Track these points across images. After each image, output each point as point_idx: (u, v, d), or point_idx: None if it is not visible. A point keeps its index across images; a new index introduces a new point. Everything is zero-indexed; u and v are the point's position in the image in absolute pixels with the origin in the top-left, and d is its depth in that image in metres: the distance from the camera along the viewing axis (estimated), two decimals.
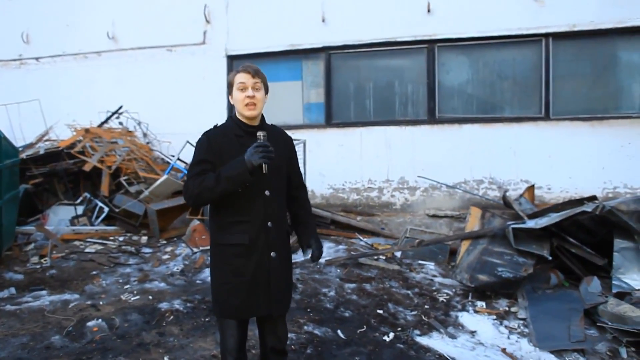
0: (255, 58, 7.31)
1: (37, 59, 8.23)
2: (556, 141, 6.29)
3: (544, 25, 6.34)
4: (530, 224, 4.75)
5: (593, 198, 5.11)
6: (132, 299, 4.09)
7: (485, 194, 6.42)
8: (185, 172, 6.54)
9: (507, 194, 5.91)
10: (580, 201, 5.08)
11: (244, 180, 2.14)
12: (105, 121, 7.35)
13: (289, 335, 3.49)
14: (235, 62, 7.40)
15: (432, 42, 6.72)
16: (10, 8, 8.31)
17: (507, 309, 4.23)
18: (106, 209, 6.10)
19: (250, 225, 2.24)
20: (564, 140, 6.27)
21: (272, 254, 2.29)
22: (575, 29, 6.27)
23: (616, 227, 4.47)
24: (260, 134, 2.18)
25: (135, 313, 3.77)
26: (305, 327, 3.67)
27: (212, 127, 2.36)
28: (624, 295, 4.02)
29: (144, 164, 6.60)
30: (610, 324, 3.66)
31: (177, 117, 7.42)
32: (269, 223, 2.29)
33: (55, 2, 8.12)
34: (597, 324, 3.76)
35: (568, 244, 4.64)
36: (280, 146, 2.36)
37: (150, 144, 7.55)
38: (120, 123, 7.52)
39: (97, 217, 6.10)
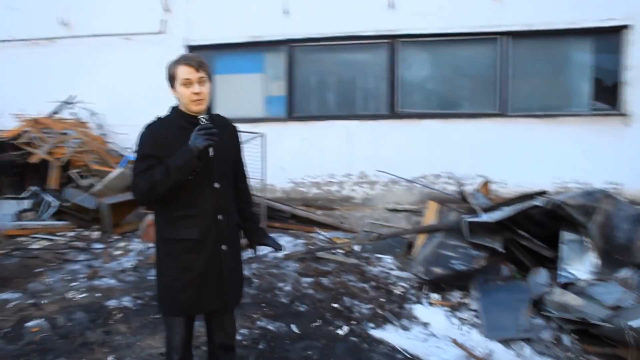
0: (216, 49, 7.17)
1: None
2: (512, 137, 6.46)
3: (502, 24, 6.48)
4: (485, 217, 4.84)
5: (544, 192, 5.26)
6: (79, 296, 3.93)
7: (443, 189, 6.53)
8: None
9: (464, 188, 6.03)
10: (532, 195, 5.22)
11: (193, 166, 2.09)
12: (56, 111, 7.03)
13: (242, 330, 3.45)
14: (196, 52, 7.21)
15: (393, 37, 6.75)
16: None
17: (460, 300, 4.31)
18: (55, 204, 5.84)
19: (200, 219, 2.19)
20: (519, 136, 6.45)
21: (223, 247, 2.25)
22: (532, 28, 6.44)
23: (564, 221, 4.62)
24: (202, 117, 2.15)
25: (80, 311, 3.62)
26: (259, 323, 3.63)
27: (153, 119, 2.27)
28: (568, 285, 4.17)
29: (97, 157, 6.36)
30: (554, 313, 3.79)
31: (134, 109, 7.11)
32: (219, 216, 2.24)
33: None
34: (543, 313, 3.89)
35: (519, 237, 4.77)
36: (226, 135, 2.32)
37: (105, 135, 7.28)
38: (73, 113, 7.21)
39: (46, 212, 5.83)
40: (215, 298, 2.26)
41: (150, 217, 5.60)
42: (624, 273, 4.18)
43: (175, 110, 2.28)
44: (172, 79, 2.21)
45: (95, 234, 5.54)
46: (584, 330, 3.62)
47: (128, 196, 5.84)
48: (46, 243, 5.15)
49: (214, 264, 2.23)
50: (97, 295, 3.96)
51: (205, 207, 2.20)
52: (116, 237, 5.53)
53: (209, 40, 7.18)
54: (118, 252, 5.07)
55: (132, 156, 6.33)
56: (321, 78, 7.09)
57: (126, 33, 7.42)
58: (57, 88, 7.28)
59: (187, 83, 2.16)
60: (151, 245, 5.19)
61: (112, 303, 3.78)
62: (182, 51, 7.21)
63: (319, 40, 6.95)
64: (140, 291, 4.07)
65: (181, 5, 7.25)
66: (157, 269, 2.29)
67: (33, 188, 5.96)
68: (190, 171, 2.10)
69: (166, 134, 2.16)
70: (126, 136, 7.22)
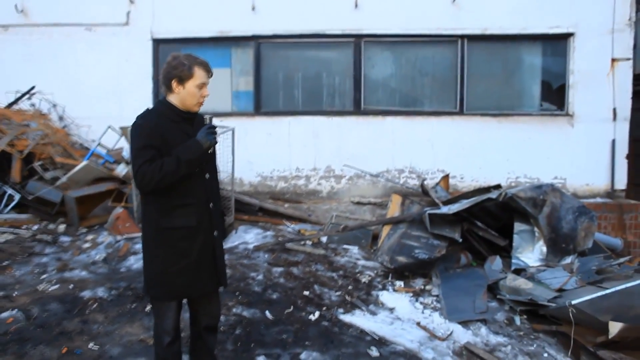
0: (183, 43, 7.13)
1: None
2: (468, 134, 6.86)
3: (460, 27, 6.85)
4: (444, 209, 5.18)
5: (498, 186, 5.67)
6: (51, 288, 3.92)
7: (405, 183, 6.85)
8: (108, 158, 6.26)
9: (425, 182, 6.37)
10: (487, 189, 5.62)
11: (201, 160, 2.30)
12: (15, 102, 6.79)
13: None
14: (161, 46, 7.16)
15: (359, 36, 6.98)
16: None
17: (422, 287, 4.61)
18: (17, 196, 5.69)
19: (195, 208, 2.35)
20: (475, 133, 6.86)
21: (214, 233, 2.44)
22: (487, 32, 6.85)
23: (516, 212, 5.03)
24: (207, 116, 2.37)
25: (55, 302, 3.63)
26: (234, 310, 3.76)
27: (144, 111, 2.36)
28: (520, 271, 4.56)
29: (60, 149, 6.22)
30: (507, 296, 4.15)
31: (97, 101, 7.03)
32: (211, 204, 2.42)
33: None
34: (497, 296, 4.25)
35: (476, 228, 5.14)
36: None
37: (67, 128, 7.10)
38: (32, 105, 6.98)
39: (7, 205, 5.67)
40: (209, 280, 2.43)
41: (118, 211, 5.58)
42: (568, 259, 4.61)
43: (164, 104, 2.37)
44: (185, 77, 2.28)
45: (62, 227, 5.46)
46: (533, 311, 4.00)
47: (94, 189, 5.79)
48: (10, 237, 5.03)
49: (207, 248, 2.40)
50: (69, 287, 3.96)
51: (199, 197, 2.37)
52: (83, 231, 5.47)
53: (175, 34, 7.13)
54: (87, 245, 5.04)
55: (98, 149, 6.28)
56: (288, 74, 7.22)
57: (88, 23, 7.23)
58: (13, 78, 7.01)
59: (202, 86, 2.33)
60: (120, 238, 5.20)
61: (86, 294, 3.81)
62: (148, 44, 7.14)
63: (286, 37, 7.07)
64: (114, 282, 4.10)
65: None
66: (149, 258, 2.38)
67: None
68: (198, 165, 2.30)
69: (163, 126, 2.28)
70: (88, 129, 7.08)
